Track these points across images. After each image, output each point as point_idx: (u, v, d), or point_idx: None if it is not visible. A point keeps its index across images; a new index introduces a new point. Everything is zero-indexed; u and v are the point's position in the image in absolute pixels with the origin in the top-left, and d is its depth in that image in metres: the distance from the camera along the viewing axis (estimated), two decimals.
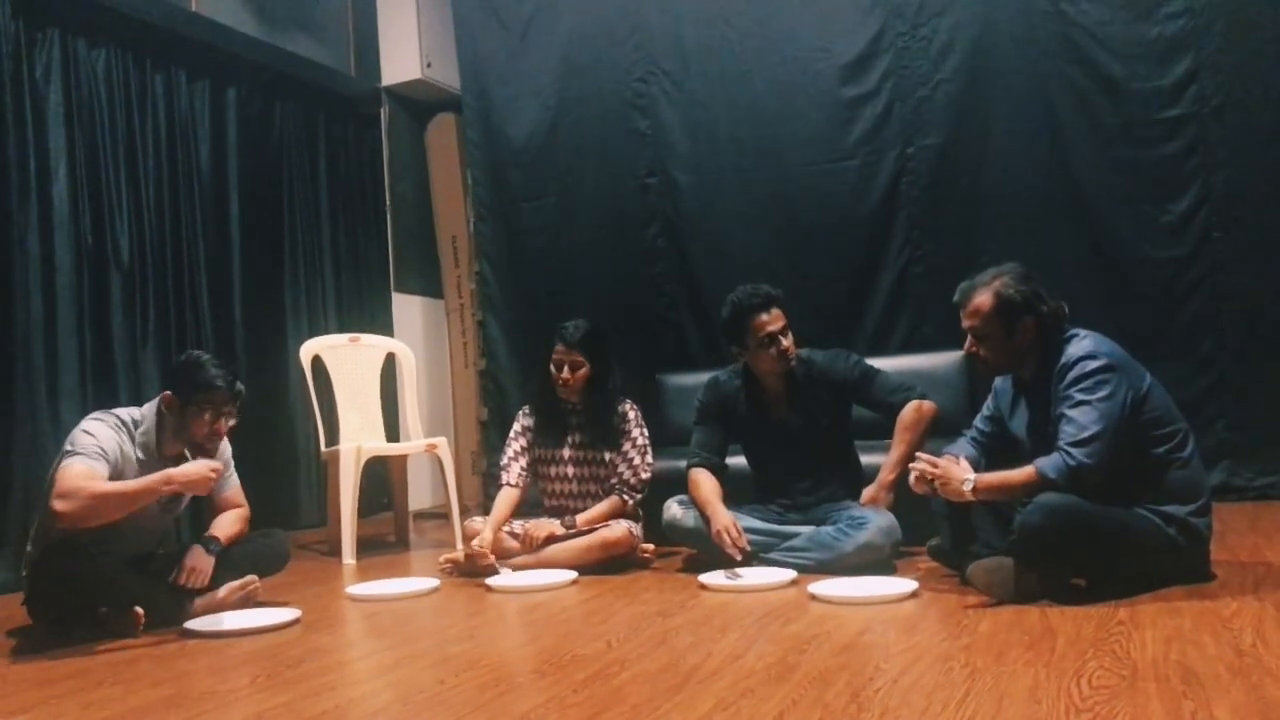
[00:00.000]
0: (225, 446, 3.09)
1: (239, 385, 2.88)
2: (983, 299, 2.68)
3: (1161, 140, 4.28)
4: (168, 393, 2.87)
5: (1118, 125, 4.33)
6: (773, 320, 3.21)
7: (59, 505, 2.57)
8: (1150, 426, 2.57)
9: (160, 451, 2.87)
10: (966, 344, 2.77)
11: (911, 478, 2.75)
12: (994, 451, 2.83)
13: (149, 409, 2.90)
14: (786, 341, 3.24)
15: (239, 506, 3.09)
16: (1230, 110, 4.19)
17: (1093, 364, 2.54)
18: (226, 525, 3.01)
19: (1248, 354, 4.20)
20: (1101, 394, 2.50)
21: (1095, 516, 2.47)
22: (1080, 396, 2.52)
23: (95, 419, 2.82)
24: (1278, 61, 4.13)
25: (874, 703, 1.79)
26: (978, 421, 2.95)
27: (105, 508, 2.61)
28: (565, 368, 3.45)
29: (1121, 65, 4.32)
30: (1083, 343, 2.60)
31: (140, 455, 2.83)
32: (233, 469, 3.12)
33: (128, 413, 2.89)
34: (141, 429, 2.85)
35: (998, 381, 2.90)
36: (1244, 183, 4.19)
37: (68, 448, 2.73)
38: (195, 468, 2.68)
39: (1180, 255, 4.26)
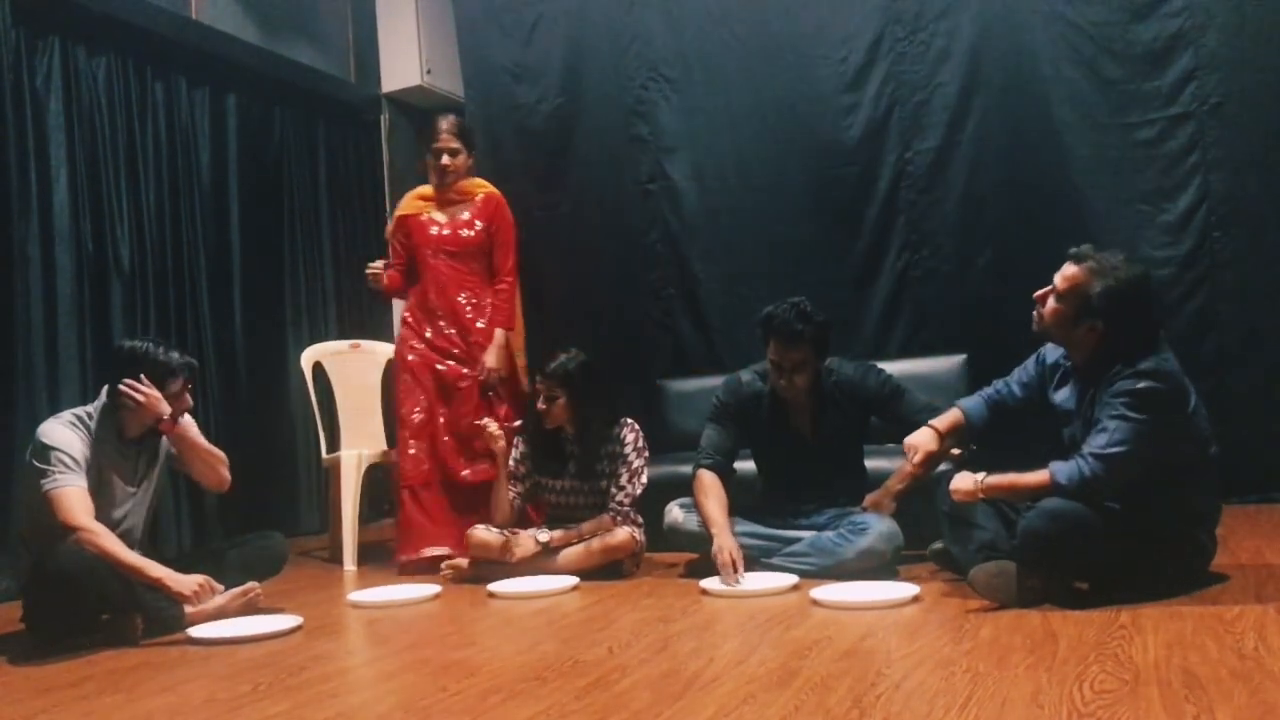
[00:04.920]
0: (189, 421, 3.17)
1: (188, 357, 3.03)
2: (1081, 277, 2.53)
3: (1160, 139, 4.27)
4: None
5: (1116, 125, 4.32)
6: (781, 355, 3.16)
7: (70, 533, 2.69)
8: (1184, 453, 2.54)
9: (123, 437, 2.97)
10: (1039, 292, 2.64)
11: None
12: (1010, 415, 2.75)
13: (95, 406, 2.96)
14: (785, 380, 3.19)
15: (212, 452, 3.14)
16: (1229, 108, 4.18)
17: (1147, 384, 2.46)
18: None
19: (1248, 354, 4.18)
20: (1143, 417, 2.44)
21: (1098, 523, 2.46)
22: (1122, 409, 2.46)
23: (53, 423, 2.89)
24: (1276, 58, 4.13)
25: (876, 708, 1.79)
26: (1011, 382, 2.85)
27: (100, 556, 2.71)
28: (541, 398, 3.51)
29: (1119, 65, 4.31)
30: (1150, 360, 2.50)
31: (101, 439, 2.91)
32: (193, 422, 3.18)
33: (80, 410, 2.96)
34: (95, 421, 2.92)
35: (1049, 351, 2.79)
36: (1243, 181, 4.18)
37: (40, 465, 2.78)
38: (188, 581, 2.79)
39: (1179, 255, 4.26)
